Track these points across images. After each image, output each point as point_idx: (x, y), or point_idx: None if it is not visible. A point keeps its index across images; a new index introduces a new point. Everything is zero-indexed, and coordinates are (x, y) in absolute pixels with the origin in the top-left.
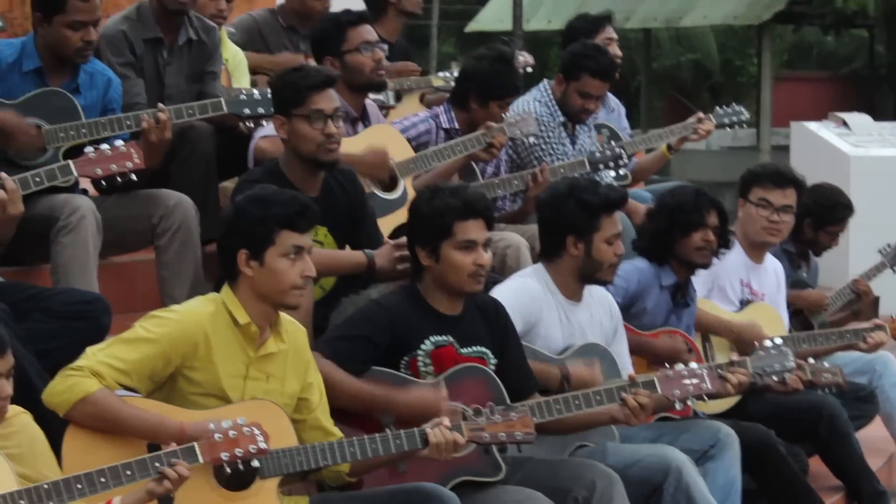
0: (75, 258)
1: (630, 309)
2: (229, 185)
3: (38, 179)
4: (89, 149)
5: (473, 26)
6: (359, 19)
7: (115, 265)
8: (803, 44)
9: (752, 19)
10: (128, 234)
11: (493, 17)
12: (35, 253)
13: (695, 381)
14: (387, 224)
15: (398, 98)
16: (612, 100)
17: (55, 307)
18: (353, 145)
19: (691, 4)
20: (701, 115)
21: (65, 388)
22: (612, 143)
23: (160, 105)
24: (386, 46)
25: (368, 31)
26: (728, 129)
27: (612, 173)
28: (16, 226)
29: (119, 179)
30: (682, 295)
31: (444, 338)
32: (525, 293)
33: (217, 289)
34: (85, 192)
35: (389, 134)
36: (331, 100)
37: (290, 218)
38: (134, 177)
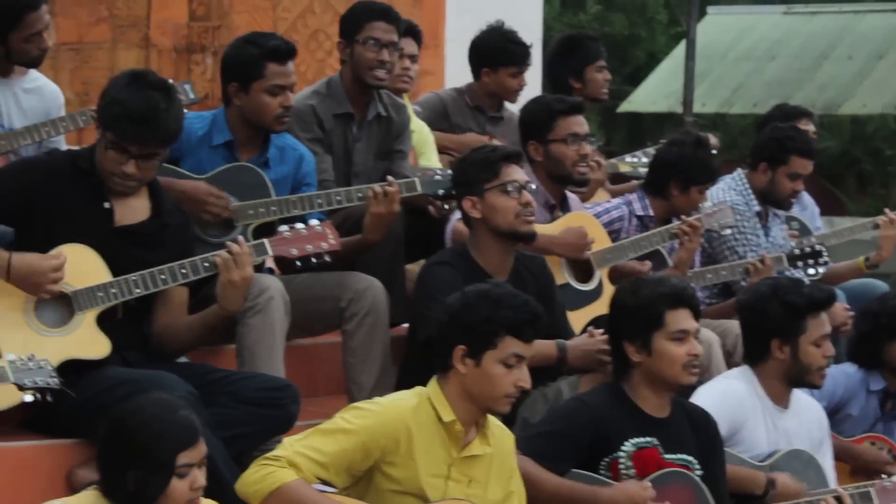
0: (262, 340)
1: (835, 415)
2: (413, 268)
3: None
4: (284, 227)
5: (626, 107)
6: (571, 109)
7: (298, 347)
8: None
9: None
10: (314, 317)
11: (646, 99)
12: (219, 332)
13: None
14: (580, 317)
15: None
16: (806, 197)
17: (244, 392)
18: (550, 232)
19: (850, 93)
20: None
21: (259, 477)
22: (811, 237)
23: (389, 178)
24: (594, 139)
25: (578, 123)
26: None
27: (811, 271)
28: (245, 295)
29: (314, 260)
30: (892, 406)
31: (648, 439)
32: (732, 397)
33: (401, 374)
34: (270, 271)
35: (587, 222)
36: (522, 171)
37: (519, 325)
38: (328, 258)
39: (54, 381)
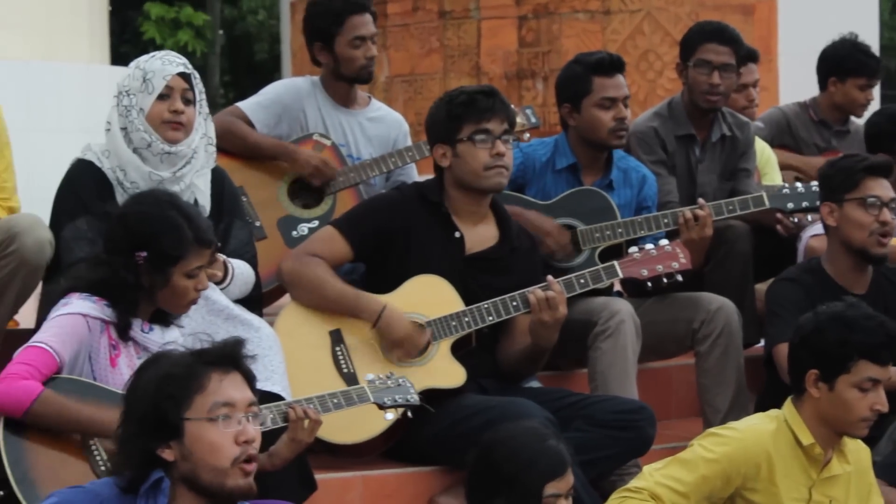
0: (615, 364)
1: None
2: (763, 287)
3: (582, 282)
4: (633, 249)
5: None
6: None
7: (650, 370)
8: None
9: None
10: (666, 339)
11: None
12: (570, 357)
13: None
14: None
15: None
16: None
17: (599, 416)
18: None
19: None
20: None
21: None
22: None
23: (700, 201)
24: None
25: None
26: None
27: None
28: (557, 334)
29: (665, 280)
30: None
31: None
32: None
33: (760, 402)
34: (619, 294)
35: None
36: (886, 188)
37: (873, 348)
38: (680, 277)
39: (414, 399)
